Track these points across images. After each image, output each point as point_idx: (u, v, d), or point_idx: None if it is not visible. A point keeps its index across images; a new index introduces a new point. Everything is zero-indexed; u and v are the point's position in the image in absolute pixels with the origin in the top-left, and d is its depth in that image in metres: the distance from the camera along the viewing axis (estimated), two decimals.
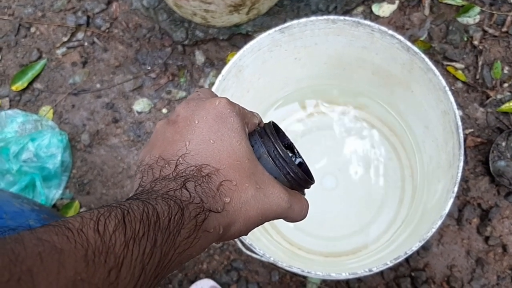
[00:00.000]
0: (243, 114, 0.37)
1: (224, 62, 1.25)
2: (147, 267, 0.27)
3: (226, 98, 0.36)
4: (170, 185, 0.31)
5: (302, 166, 0.42)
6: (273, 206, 0.35)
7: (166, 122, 0.37)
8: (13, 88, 1.27)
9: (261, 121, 0.41)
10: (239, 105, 0.37)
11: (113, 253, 0.25)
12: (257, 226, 0.36)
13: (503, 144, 1.13)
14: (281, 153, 0.37)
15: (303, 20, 0.82)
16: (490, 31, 1.19)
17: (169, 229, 0.29)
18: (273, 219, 0.37)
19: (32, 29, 1.31)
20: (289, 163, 0.37)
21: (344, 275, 0.73)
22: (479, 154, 1.15)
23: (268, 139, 0.37)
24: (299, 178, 0.38)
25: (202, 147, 0.34)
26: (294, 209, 0.38)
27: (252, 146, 0.37)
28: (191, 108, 0.36)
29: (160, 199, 0.30)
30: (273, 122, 0.40)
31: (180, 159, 0.34)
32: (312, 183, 0.40)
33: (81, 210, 1.20)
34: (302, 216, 0.40)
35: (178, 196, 0.31)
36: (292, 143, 0.40)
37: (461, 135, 0.76)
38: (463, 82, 1.18)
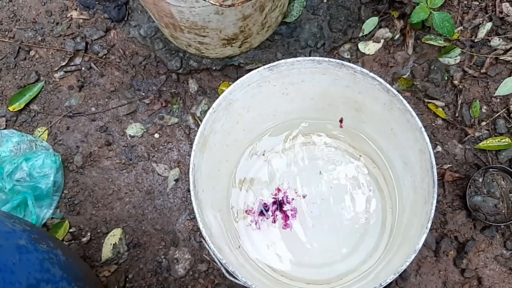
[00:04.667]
0: None
1: (216, 91, 1.30)
2: None
3: None
4: None
5: None
6: None
7: None
8: (10, 108, 1.30)
9: None
10: None
11: None
12: None
13: (480, 180, 1.18)
14: None
15: (290, 60, 0.87)
16: (470, 71, 1.26)
17: None
18: None
19: (32, 52, 1.36)
20: None
21: None
22: (457, 188, 1.20)
23: None
24: None
25: None
26: None
27: None
28: None
29: None
30: None
31: None
32: None
33: (71, 230, 1.23)
34: None
35: None
36: None
37: (435, 174, 0.81)
38: (443, 119, 1.24)
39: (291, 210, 1.15)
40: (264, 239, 1.13)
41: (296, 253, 1.12)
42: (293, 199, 1.15)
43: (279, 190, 1.16)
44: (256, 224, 1.14)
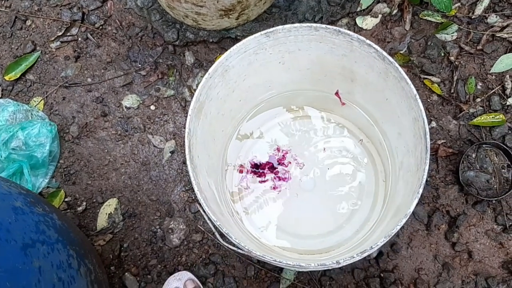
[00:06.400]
0: None
1: (212, 64, 1.30)
2: None
3: None
4: None
5: None
6: None
7: None
8: (6, 78, 1.30)
9: None
10: None
11: None
12: None
13: (473, 155, 1.19)
14: None
15: (288, 26, 0.87)
16: (466, 48, 1.26)
17: None
18: None
19: (28, 22, 1.35)
20: None
21: (313, 265, 0.78)
22: (450, 164, 1.21)
23: None
24: None
25: None
26: None
27: None
28: None
29: None
30: None
31: None
32: None
33: (66, 199, 1.24)
34: None
35: None
36: None
37: (428, 140, 0.81)
38: (439, 95, 1.24)
39: (285, 172, 1.15)
40: (255, 203, 1.14)
41: (289, 225, 1.13)
42: (289, 162, 1.16)
43: (278, 149, 1.17)
44: (247, 184, 1.15)
